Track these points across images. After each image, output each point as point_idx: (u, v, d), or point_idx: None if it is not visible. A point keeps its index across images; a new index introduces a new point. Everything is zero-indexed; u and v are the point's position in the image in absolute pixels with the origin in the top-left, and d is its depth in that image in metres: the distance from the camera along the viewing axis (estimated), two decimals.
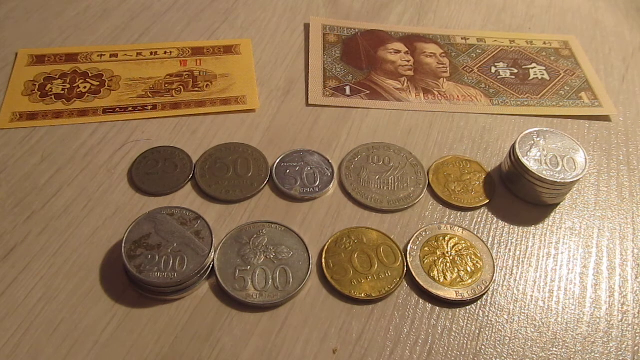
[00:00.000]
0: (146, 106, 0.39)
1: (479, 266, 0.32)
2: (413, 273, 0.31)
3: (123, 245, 0.30)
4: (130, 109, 0.39)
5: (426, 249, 0.33)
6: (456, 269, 0.32)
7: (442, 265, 0.32)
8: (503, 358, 0.29)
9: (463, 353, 0.29)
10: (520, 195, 0.36)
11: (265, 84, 0.42)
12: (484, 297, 0.31)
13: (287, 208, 0.34)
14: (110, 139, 0.37)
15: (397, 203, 0.35)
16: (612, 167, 0.39)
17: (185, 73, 0.42)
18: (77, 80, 0.40)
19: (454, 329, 0.30)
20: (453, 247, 0.33)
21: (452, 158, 0.38)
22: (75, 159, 0.36)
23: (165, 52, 0.43)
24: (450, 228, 0.34)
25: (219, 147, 0.37)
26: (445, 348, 0.29)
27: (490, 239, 0.34)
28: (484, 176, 0.37)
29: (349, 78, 0.43)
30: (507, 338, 0.30)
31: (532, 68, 0.45)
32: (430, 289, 0.31)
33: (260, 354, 0.28)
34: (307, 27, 0.47)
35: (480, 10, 0.51)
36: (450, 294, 0.31)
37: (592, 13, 0.52)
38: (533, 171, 0.34)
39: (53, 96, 0.39)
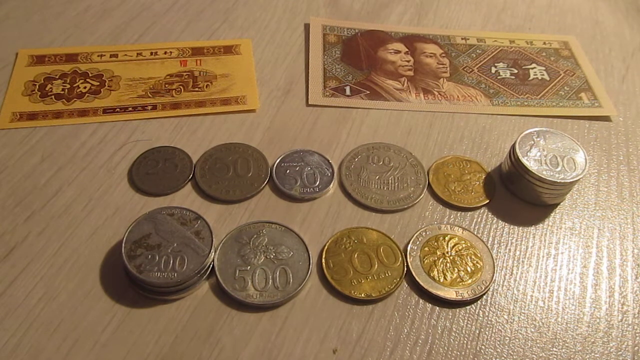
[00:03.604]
0: (146, 106, 0.39)
1: (479, 266, 0.32)
2: (413, 273, 0.31)
3: (123, 245, 0.30)
4: (130, 109, 0.39)
5: (426, 249, 0.33)
6: (456, 269, 0.32)
7: (442, 265, 0.32)
8: (503, 358, 0.29)
9: (463, 353, 0.29)
10: (520, 195, 0.36)
11: (265, 84, 0.42)
12: (484, 297, 0.31)
13: (287, 208, 0.34)
14: (110, 139, 0.37)
15: (397, 203, 0.35)
16: (612, 167, 0.39)
17: (185, 73, 0.42)
18: (77, 81, 0.40)
19: (454, 329, 0.30)
20: (453, 247, 0.33)
21: (452, 158, 0.38)
22: (75, 159, 0.36)
23: (165, 52, 0.43)
24: (450, 228, 0.34)
25: (219, 147, 0.37)
26: (445, 348, 0.29)
27: (490, 239, 0.34)
28: (484, 176, 0.37)
29: (349, 78, 0.43)
30: (507, 338, 0.30)
31: (532, 68, 0.45)
32: (430, 289, 0.31)
33: (260, 354, 0.28)
34: (307, 27, 0.47)
35: (480, 10, 0.51)
36: (450, 294, 0.31)
37: (592, 13, 0.52)
38: (533, 171, 0.34)
39: (53, 96, 0.39)
